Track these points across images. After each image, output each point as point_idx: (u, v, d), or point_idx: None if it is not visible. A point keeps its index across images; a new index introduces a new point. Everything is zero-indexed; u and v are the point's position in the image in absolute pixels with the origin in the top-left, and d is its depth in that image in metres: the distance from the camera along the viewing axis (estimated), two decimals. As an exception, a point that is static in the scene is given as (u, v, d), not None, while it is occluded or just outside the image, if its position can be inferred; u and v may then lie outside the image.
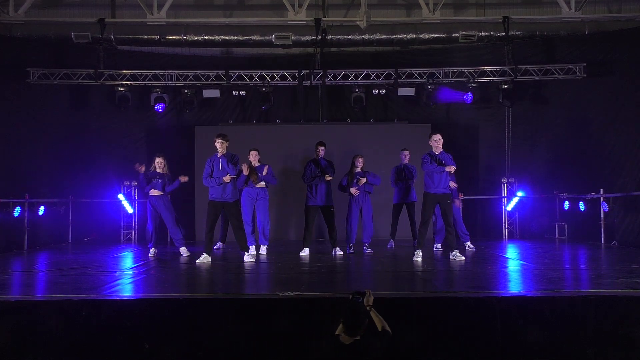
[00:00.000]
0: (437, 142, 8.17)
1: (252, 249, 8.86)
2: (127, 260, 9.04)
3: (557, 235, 12.08)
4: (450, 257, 8.11)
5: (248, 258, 8.16)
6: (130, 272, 7.28)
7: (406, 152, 9.94)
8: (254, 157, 9.36)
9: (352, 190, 9.25)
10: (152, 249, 9.04)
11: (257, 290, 6.30)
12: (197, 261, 8.03)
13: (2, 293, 5.78)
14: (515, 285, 6.28)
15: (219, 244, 10.17)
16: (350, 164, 9.51)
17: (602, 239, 10.79)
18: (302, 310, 5.00)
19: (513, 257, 8.82)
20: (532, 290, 5.73)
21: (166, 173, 9.16)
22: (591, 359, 4.85)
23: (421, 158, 8.24)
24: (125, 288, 6.09)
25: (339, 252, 9.03)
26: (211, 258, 8.19)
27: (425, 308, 4.99)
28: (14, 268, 7.97)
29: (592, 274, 7.04)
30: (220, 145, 8.15)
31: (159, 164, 9.11)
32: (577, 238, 11.68)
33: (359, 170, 9.34)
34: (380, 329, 3.94)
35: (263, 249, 9.24)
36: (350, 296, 4.00)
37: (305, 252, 9.03)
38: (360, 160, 9.37)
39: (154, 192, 9.04)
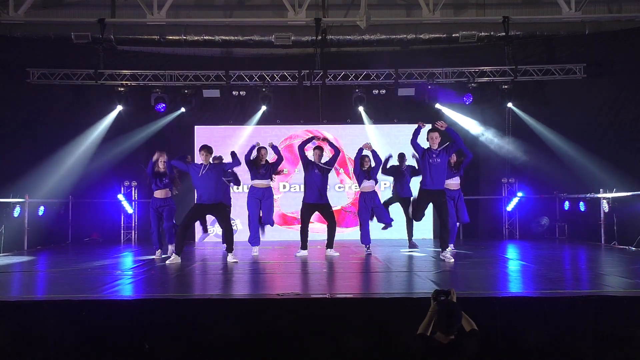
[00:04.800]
0: (432, 140, 8.00)
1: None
2: (127, 260, 9.04)
3: (557, 235, 12.07)
4: (440, 256, 8.08)
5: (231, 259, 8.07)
6: (130, 272, 7.29)
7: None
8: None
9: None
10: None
11: (257, 290, 6.30)
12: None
13: (2, 293, 5.78)
14: (515, 285, 6.28)
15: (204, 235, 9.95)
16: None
17: (602, 239, 10.78)
18: (302, 310, 4.99)
19: (513, 257, 8.82)
20: (532, 290, 5.74)
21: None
22: (591, 359, 4.84)
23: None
24: (125, 288, 6.09)
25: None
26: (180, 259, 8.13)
27: (425, 308, 4.97)
28: (14, 268, 7.97)
29: (592, 274, 7.04)
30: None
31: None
32: (577, 238, 11.68)
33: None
34: (468, 329, 3.85)
35: (256, 250, 9.13)
36: (433, 295, 3.94)
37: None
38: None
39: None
